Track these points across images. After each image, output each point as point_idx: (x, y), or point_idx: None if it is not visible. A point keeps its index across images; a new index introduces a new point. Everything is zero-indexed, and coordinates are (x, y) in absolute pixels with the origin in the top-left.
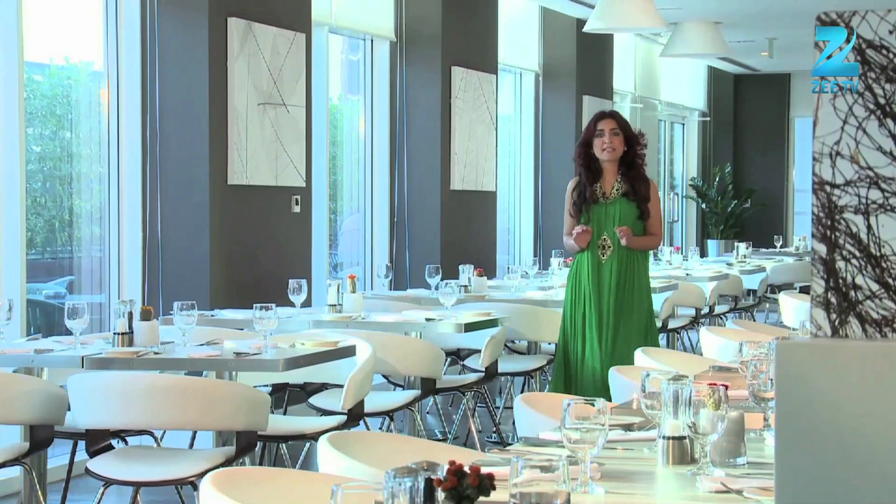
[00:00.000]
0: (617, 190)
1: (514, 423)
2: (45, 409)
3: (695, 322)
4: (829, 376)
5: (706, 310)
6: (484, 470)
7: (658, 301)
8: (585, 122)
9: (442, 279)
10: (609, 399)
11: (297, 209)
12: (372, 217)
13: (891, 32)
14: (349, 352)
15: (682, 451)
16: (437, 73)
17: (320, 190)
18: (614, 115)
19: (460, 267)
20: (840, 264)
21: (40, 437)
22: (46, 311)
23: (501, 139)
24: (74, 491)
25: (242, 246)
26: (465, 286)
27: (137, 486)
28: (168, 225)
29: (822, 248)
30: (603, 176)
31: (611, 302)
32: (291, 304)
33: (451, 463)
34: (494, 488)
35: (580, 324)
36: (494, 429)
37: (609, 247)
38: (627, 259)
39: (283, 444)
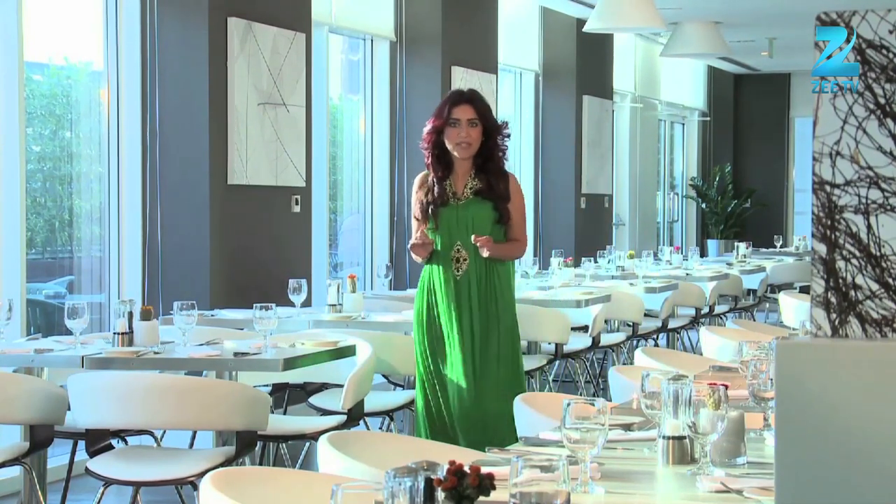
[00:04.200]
0: (470, 188)
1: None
2: (45, 409)
3: (695, 322)
4: (829, 376)
5: (706, 310)
6: (484, 470)
7: (658, 301)
8: (586, 123)
9: None
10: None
11: (297, 209)
12: (372, 217)
13: (891, 32)
14: (349, 352)
15: (682, 451)
16: (437, 73)
17: (320, 190)
18: (473, 101)
19: None
20: (840, 264)
21: (40, 437)
22: (46, 311)
23: None
24: (74, 491)
25: (242, 246)
26: None
27: (137, 486)
28: (168, 225)
29: (822, 248)
30: (454, 171)
31: (474, 324)
32: (291, 304)
33: (451, 463)
34: (494, 488)
35: (439, 355)
36: None
37: (464, 259)
38: (488, 272)
39: (283, 444)
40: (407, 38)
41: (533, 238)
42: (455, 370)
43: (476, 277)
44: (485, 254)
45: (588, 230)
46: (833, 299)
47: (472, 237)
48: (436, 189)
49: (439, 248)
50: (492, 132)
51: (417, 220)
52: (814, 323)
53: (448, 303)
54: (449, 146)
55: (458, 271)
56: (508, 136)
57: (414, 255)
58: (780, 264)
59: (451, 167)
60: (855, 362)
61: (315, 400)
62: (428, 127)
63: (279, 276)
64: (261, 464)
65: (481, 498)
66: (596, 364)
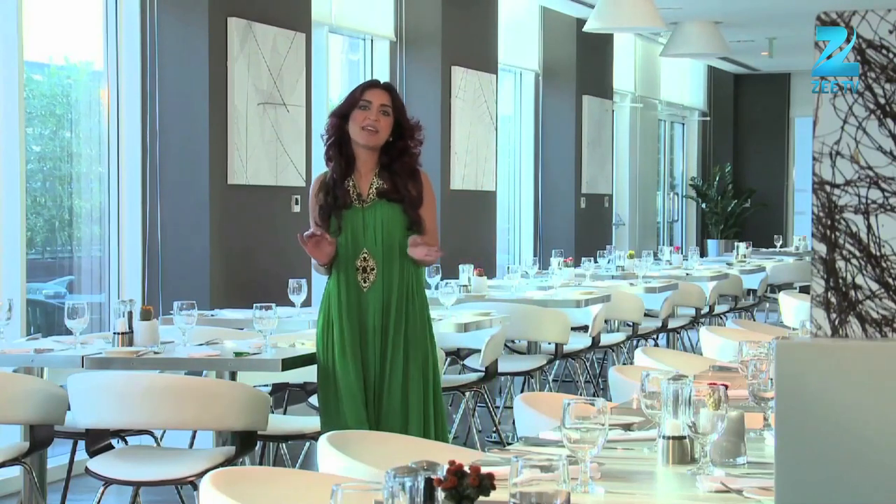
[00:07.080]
0: (375, 188)
1: (514, 422)
2: (45, 408)
3: (695, 322)
4: (829, 376)
5: (706, 309)
6: (484, 470)
7: (658, 301)
8: (586, 123)
9: (442, 279)
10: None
11: (297, 209)
12: None
13: (891, 32)
14: None
15: (682, 451)
16: (437, 73)
17: None
18: (391, 90)
19: (460, 267)
20: (840, 264)
21: (40, 437)
22: (46, 311)
23: (501, 139)
24: (74, 491)
25: (242, 246)
26: (465, 286)
27: (137, 485)
28: (168, 225)
29: (822, 248)
30: (357, 169)
31: (381, 343)
32: (291, 304)
33: (451, 463)
34: (494, 488)
35: (341, 380)
36: (494, 429)
37: (372, 268)
38: (400, 282)
39: (283, 444)
40: (407, 38)
41: (533, 238)
42: (356, 398)
43: (386, 289)
44: (419, 254)
45: (588, 230)
46: (833, 299)
47: (410, 238)
48: (338, 189)
49: (342, 256)
50: (404, 132)
51: (318, 225)
52: (814, 323)
53: (351, 321)
54: (353, 133)
55: (364, 282)
56: (421, 141)
57: (314, 263)
58: (780, 264)
59: (352, 164)
60: (855, 362)
61: (315, 400)
62: (334, 110)
63: (279, 276)
64: (261, 464)
65: (481, 498)
66: (596, 364)
